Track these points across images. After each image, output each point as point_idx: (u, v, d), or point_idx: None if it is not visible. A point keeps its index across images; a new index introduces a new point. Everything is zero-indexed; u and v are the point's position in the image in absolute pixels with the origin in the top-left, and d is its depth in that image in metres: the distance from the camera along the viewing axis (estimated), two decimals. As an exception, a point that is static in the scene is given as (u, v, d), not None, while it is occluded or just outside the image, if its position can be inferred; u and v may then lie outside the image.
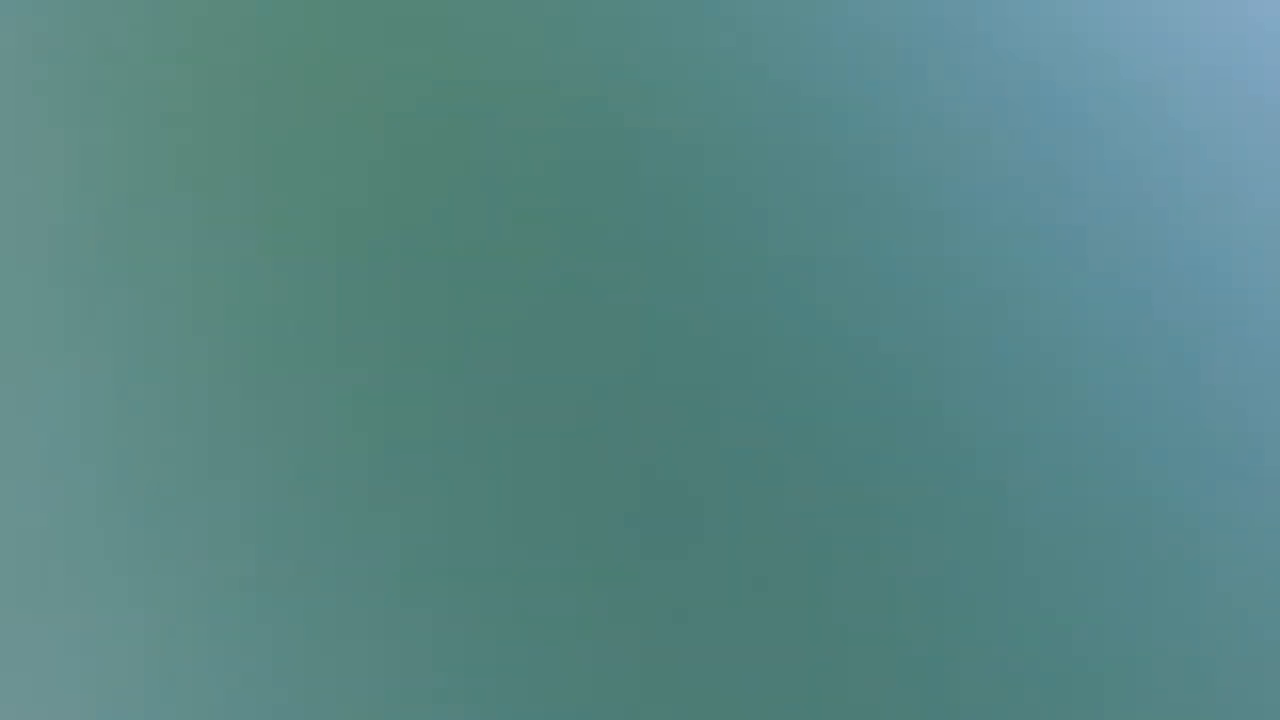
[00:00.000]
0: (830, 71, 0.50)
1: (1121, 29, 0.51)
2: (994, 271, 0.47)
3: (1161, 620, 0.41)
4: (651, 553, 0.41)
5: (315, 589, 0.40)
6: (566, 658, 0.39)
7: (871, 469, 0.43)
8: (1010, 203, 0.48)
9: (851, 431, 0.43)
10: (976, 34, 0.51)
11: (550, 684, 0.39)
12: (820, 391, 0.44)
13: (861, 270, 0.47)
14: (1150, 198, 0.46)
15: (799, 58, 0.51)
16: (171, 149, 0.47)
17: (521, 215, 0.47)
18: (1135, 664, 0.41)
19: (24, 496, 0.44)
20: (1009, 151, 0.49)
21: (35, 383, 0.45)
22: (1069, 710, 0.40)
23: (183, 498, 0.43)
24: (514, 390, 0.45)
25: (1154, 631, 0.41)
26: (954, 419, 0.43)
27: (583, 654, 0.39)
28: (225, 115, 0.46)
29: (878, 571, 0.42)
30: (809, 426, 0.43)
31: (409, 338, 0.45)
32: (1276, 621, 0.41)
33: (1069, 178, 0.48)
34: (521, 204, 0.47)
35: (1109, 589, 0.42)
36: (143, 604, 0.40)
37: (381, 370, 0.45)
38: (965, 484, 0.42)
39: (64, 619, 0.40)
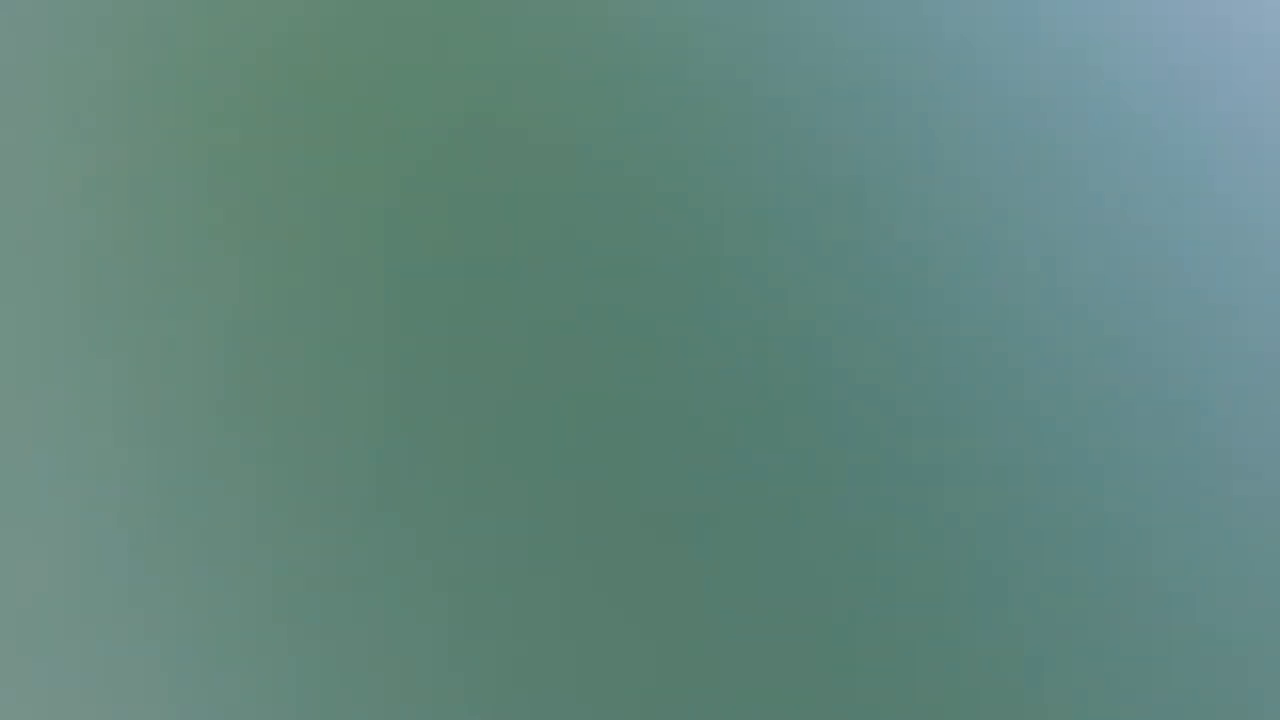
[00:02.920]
0: (829, 76, 0.50)
1: (1122, 29, 0.51)
2: (994, 273, 0.47)
3: (1162, 616, 0.41)
4: (654, 556, 0.41)
5: (321, 593, 0.40)
6: (568, 661, 0.39)
7: (872, 473, 0.43)
8: (1010, 204, 0.48)
9: (852, 434, 0.43)
10: (975, 37, 0.51)
11: (551, 686, 0.39)
12: (819, 395, 0.44)
13: (861, 274, 0.47)
14: (1150, 200, 0.46)
15: (800, 61, 0.51)
16: (179, 156, 0.47)
17: (526, 219, 0.47)
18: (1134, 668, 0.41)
19: (31, 498, 0.44)
20: (1008, 154, 0.49)
21: (42, 388, 0.45)
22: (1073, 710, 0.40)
23: (188, 503, 0.43)
24: (518, 394, 0.45)
25: (1153, 630, 0.41)
26: (954, 418, 0.43)
27: (584, 657, 0.39)
28: (237, 125, 0.46)
29: (878, 574, 0.42)
30: (808, 429, 0.43)
31: (415, 343, 0.45)
32: (1274, 623, 0.41)
33: (1069, 180, 0.48)
34: (525, 208, 0.47)
35: (1106, 592, 0.42)
36: (148, 608, 0.40)
37: (388, 375, 0.45)
38: (966, 485, 0.42)
39: (69, 617, 0.40)
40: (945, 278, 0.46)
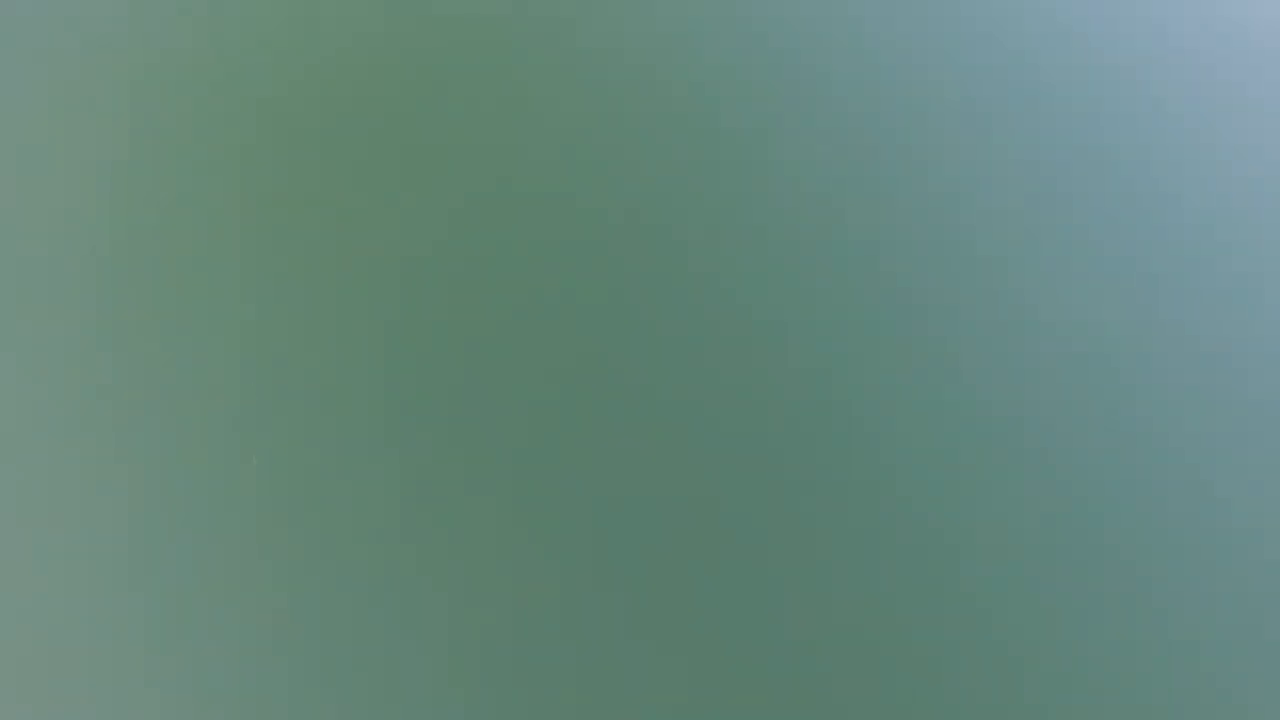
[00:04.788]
0: (831, 77, 0.50)
1: (1124, 29, 0.51)
2: (997, 271, 0.47)
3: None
4: (651, 560, 0.41)
5: (321, 596, 0.41)
6: (567, 663, 0.40)
7: (875, 471, 0.43)
8: (1012, 206, 0.48)
9: (854, 433, 0.43)
10: (979, 34, 0.51)
11: (550, 689, 0.39)
12: (818, 394, 0.44)
13: (865, 273, 0.47)
14: (1151, 198, 0.45)
15: (803, 59, 0.51)
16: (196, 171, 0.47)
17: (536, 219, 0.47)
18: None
19: (37, 499, 0.44)
20: (1011, 153, 0.48)
21: (55, 392, 0.46)
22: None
23: (191, 506, 0.44)
24: (518, 399, 0.45)
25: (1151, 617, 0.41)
26: (953, 416, 0.43)
27: (582, 658, 0.40)
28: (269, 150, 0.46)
29: (880, 574, 0.42)
30: (809, 427, 0.43)
31: (420, 347, 0.46)
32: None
33: (1071, 179, 0.48)
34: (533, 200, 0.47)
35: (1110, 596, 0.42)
36: (149, 609, 0.41)
37: (391, 372, 0.45)
38: (965, 482, 0.42)
39: (73, 617, 0.41)
40: (939, 283, 0.46)
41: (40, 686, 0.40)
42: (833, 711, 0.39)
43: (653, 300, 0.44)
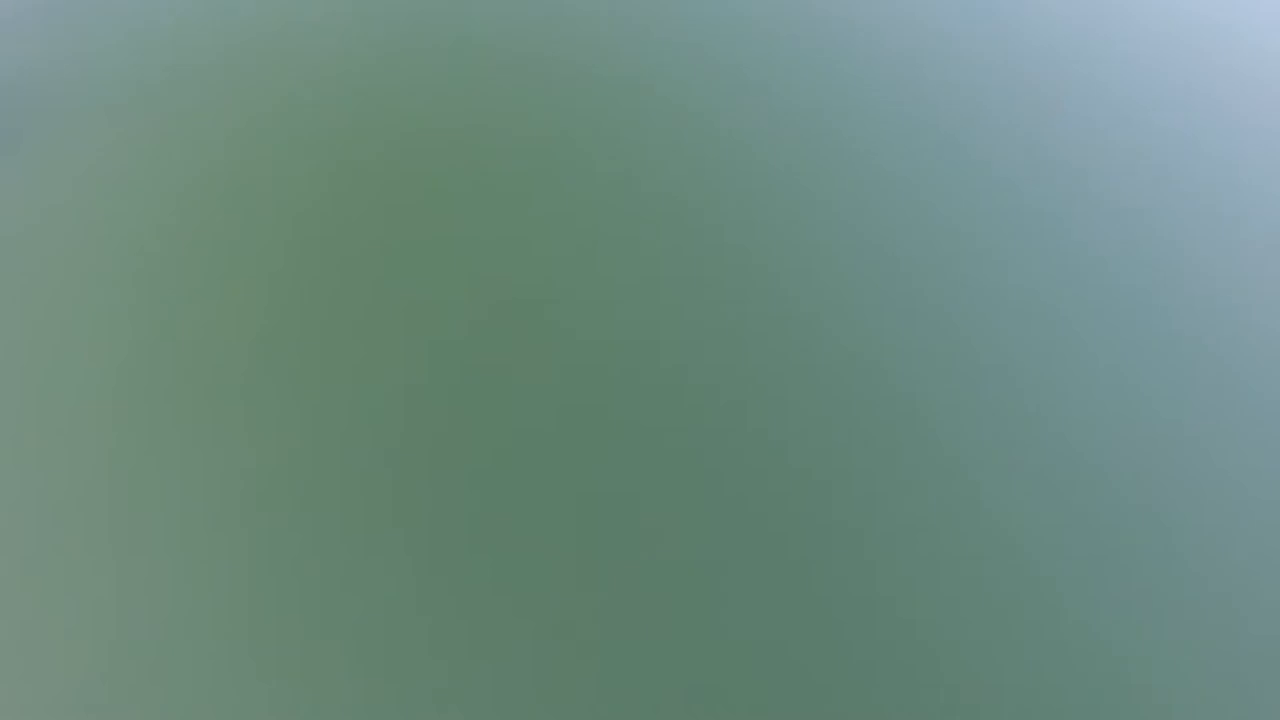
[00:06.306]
0: (829, 83, 0.50)
1: (1123, 34, 0.51)
2: (996, 278, 0.47)
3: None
4: (646, 557, 0.41)
5: (318, 595, 0.40)
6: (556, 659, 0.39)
7: (871, 468, 0.43)
8: (1010, 210, 0.48)
9: (852, 431, 0.43)
10: (977, 39, 0.51)
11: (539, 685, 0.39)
12: (816, 395, 0.44)
13: (860, 280, 0.47)
14: (1149, 204, 0.46)
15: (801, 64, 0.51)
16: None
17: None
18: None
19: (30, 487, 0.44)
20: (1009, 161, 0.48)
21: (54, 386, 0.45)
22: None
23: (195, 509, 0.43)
24: (509, 403, 0.45)
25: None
26: (951, 424, 0.43)
27: (578, 661, 0.39)
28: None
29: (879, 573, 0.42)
30: (809, 429, 0.43)
31: (427, 359, 0.45)
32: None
33: (1070, 180, 0.48)
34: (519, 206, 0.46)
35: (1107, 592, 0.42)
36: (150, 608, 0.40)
37: (388, 378, 0.45)
38: (963, 485, 0.42)
39: (79, 615, 0.40)
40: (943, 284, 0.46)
41: None
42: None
43: (661, 417, 0.44)
